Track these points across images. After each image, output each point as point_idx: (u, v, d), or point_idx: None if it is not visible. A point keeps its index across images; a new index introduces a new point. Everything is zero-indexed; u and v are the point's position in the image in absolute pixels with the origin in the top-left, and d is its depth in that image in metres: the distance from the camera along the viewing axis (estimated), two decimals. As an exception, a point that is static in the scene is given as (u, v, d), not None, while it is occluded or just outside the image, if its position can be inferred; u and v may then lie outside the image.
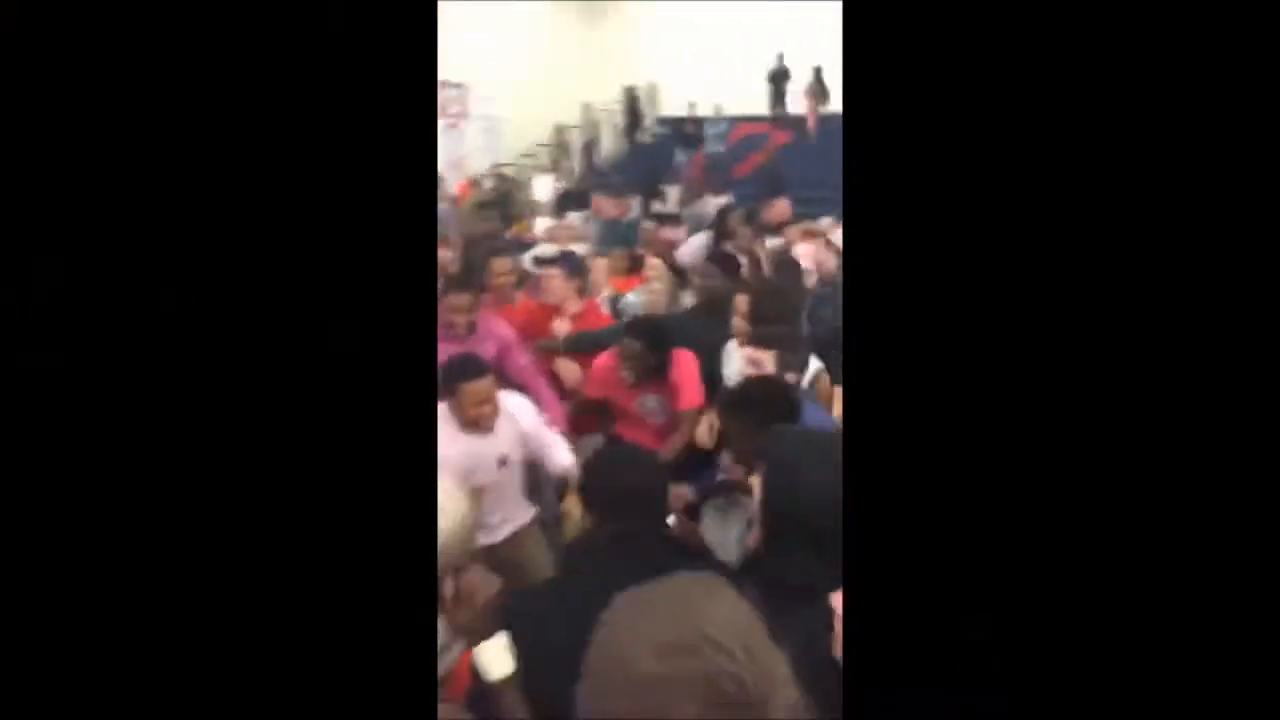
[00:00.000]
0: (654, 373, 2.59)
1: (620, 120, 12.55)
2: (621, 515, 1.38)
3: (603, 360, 2.72)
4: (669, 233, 5.70)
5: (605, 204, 6.83)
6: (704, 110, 11.54)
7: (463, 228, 5.07)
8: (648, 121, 13.05)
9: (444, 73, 10.42)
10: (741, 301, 2.65)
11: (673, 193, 9.30)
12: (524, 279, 3.55)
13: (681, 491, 1.90)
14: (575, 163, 11.77)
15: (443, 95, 10.55)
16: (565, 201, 8.42)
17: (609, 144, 12.57)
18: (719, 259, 3.48)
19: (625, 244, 5.24)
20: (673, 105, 12.70)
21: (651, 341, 2.58)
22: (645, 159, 11.88)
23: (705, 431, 2.43)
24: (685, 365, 2.63)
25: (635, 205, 8.60)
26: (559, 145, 11.85)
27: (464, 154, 10.32)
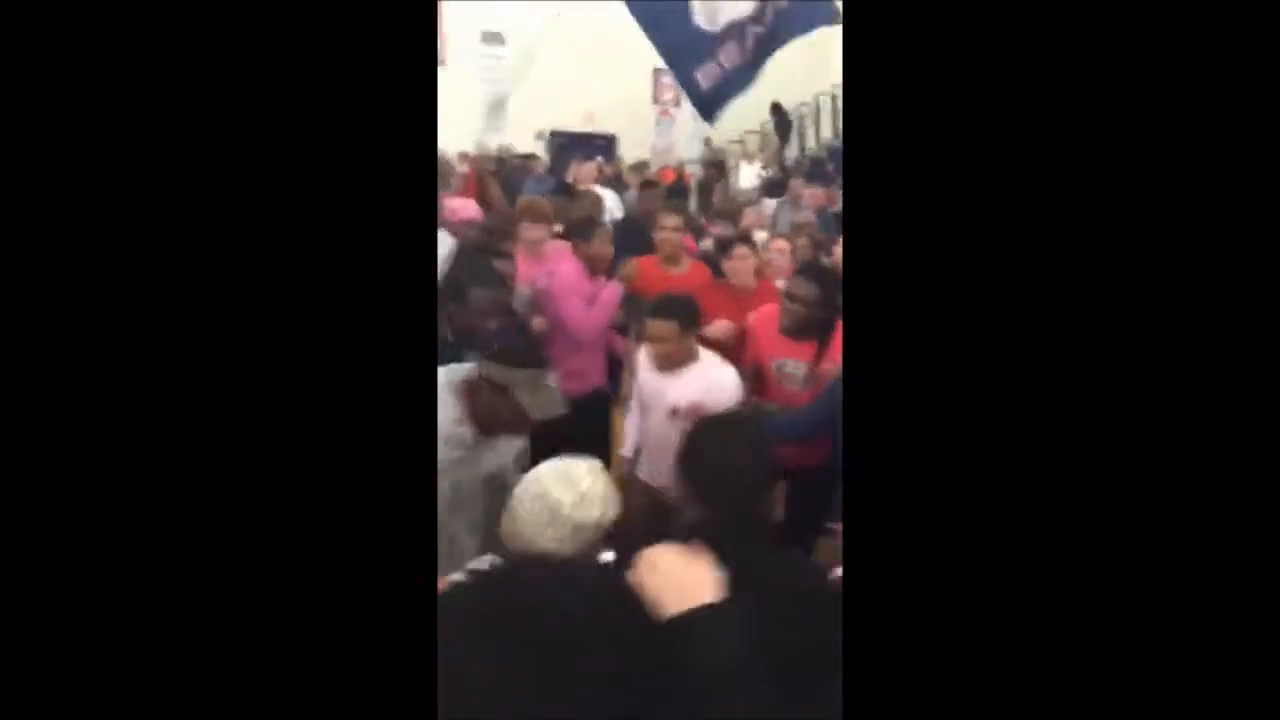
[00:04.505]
0: (815, 330, 2.28)
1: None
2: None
3: (768, 309, 2.50)
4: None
5: (802, 190, 6.46)
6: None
7: (639, 207, 5.06)
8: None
9: (658, 60, 10.48)
10: None
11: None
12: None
13: None
14: (789, 150, 11.29)
15: (658, 84, 10.63)
16: (770, 189, 8.10)
17: (828, 132, 11.89)
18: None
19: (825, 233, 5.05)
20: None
21: (824, 292, 2.27)
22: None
23: None
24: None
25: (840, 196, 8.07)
26: (769, 133, 11.40)
27: (672, 141, 10.32)
